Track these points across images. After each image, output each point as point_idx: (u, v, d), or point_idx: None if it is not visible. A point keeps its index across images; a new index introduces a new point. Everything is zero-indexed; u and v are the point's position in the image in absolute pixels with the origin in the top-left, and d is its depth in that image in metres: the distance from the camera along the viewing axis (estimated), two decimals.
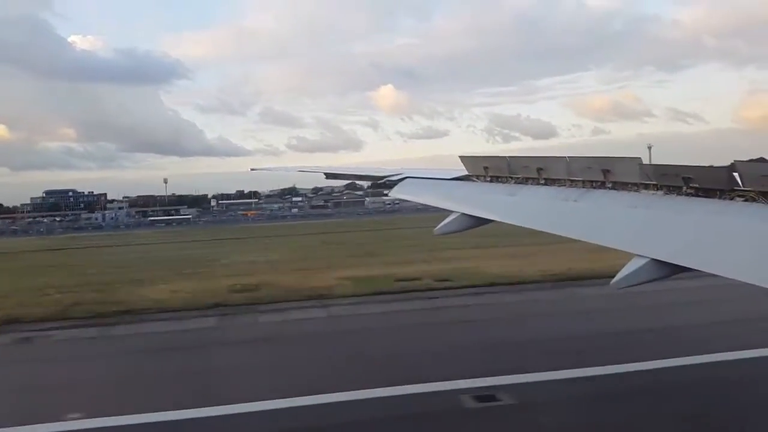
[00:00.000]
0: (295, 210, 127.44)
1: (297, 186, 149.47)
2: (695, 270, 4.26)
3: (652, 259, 4.43)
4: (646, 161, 5.73)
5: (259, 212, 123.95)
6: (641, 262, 4.48)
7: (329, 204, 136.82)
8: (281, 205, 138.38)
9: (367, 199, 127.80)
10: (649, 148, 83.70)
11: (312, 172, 15.28)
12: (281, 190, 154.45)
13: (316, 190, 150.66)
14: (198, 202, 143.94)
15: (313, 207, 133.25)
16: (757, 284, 3.79)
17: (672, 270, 4.37)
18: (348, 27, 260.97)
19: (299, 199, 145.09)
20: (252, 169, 19.36)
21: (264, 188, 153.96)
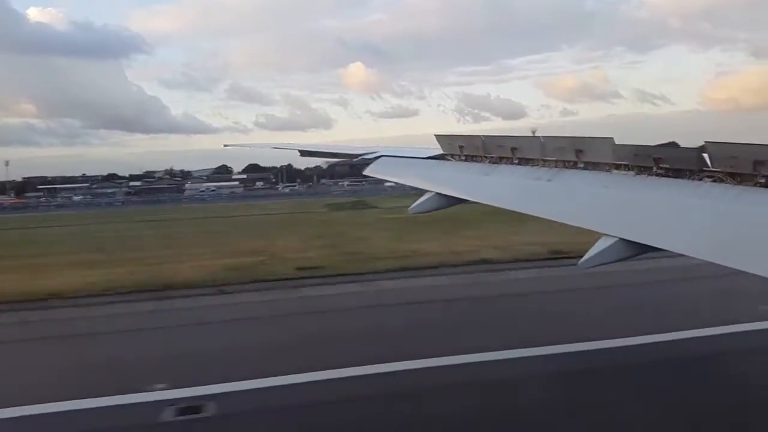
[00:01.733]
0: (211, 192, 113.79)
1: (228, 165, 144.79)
2: (663, 249, 4.31)
3: (620, 239, 4.46)
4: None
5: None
6: (609, 241, 4.51)
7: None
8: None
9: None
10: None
11: (286, 149, 15.13)
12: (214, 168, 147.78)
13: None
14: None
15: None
16: (722, 264, 3.85)
17: (640, 250, 4.40)
18: (317, 2, 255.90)
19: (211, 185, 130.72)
20: (225, 146, 19.16)
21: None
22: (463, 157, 8.22)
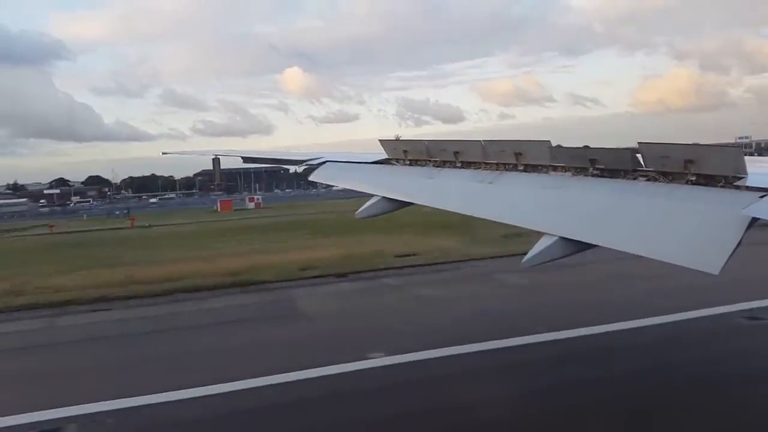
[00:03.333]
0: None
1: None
2: (601, 246, 4.43)
3: (561, 237, 4.57)
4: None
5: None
6: (550, 240, 4.62)
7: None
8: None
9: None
10: None
11: (228, 156, 14.80)
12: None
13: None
14: None
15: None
16: (657, 258, 4.00)
17: (579, 247, 4.53)
18: (249, 7, 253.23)
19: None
20: (163, 153, 18.52)
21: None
22: (408, 162, 8.26)
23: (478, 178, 6.48)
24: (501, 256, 21.25)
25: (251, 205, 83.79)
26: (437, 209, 7.03)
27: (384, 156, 8.83)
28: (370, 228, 27.65)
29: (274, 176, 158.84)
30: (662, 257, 3.96)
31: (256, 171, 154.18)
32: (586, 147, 5.34)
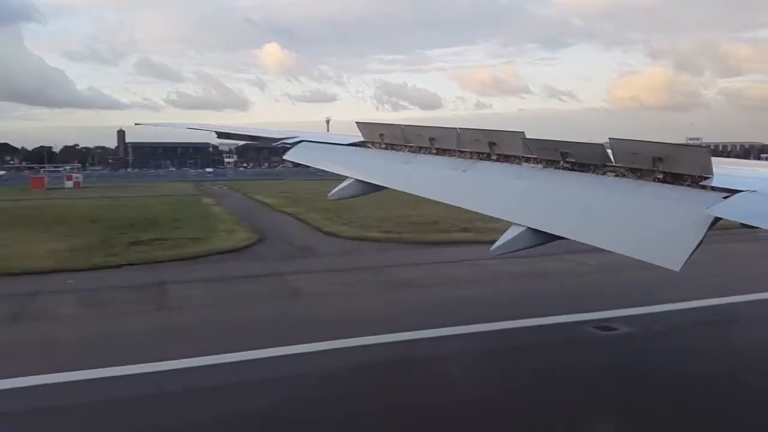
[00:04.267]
0: None
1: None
2: (567, 239, 4.48)
3: (529, 228, 4.61)
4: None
5: None
6: (518, 230, 4.66)
7: None
8: None
9: None
10: None
11: (201, 130, 14.56)
12: None
13: None
14: None
15: None
16: (620, 253, 4.06)
17: (546, 238, 4.58)
18: None
19: None
20: (136, 124, 18.13)
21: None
22: (384, 145, 8.23)
23: (453, 165, 6.50)
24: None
25: (69, 183, 75.53)
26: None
27: (360, 138, 8.80)
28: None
29: (201, 153, 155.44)
30: (626, 252, 4.03)
31: (184, 147, 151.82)
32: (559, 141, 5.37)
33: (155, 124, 18.58)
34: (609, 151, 4.76)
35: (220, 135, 13.13)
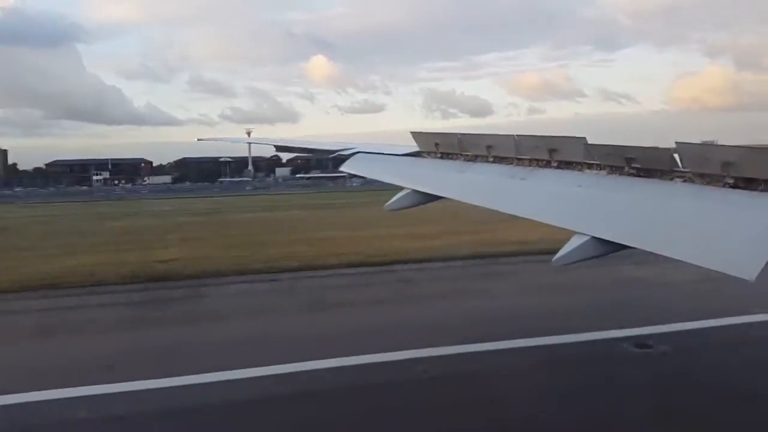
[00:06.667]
0: None
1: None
2: (634, 248, 4.38)
3: (593, 237, 4.53)
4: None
5: None
6: (581, 240, 4.57)
7: None
8: None
9: None
10: None
11: (261, 144, 14.98)
12: None
13: None
14: None
15: None
16: (691, 262, 3.93)
17: (611, 248, 4.47)
18: None
19: None
20: (199, 140, 18.77)
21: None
22: (439, 155, 8.26)
23: (511, 173, 6.44)
24: None
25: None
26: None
27: (415, 148, 8.86)
28: None
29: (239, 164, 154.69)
30: (697, 261, 3.89)
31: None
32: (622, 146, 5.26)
33: (216, 140, 19.23)
34: (675, 155, 4.63)
35: (279, 148, 13.49)
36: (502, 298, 15.63)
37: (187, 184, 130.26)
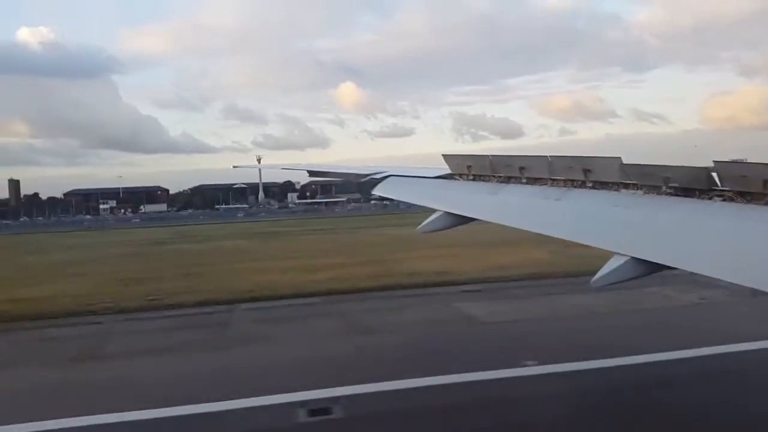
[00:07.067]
0: None
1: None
2: (674, 268, 4.32)
3: (632, 258, 4.48)
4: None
5: None
6: (621, 260, 4.53)
7: None
8: None
9: None
10: None
11: (295, 170, 15.26)
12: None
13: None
14: None
15: None
16: (733, 281, 3.87)
17: (651, 268, 4.42)
18: (306, 23, 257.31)
19: None
20: (235, 167, 19.24)
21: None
22: (471, 177, 8.27)
23: (545, 194, 6.43)
24: None
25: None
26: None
27: (447, 171, 8.89)
28: None
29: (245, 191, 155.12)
30: (741, 281, 3.82)
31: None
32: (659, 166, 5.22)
33: (251, 166, 19.68)
34: (713, 174, 4.58)
35: (312, 173, 13.71)
36: None
37: (189, 211, 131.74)
